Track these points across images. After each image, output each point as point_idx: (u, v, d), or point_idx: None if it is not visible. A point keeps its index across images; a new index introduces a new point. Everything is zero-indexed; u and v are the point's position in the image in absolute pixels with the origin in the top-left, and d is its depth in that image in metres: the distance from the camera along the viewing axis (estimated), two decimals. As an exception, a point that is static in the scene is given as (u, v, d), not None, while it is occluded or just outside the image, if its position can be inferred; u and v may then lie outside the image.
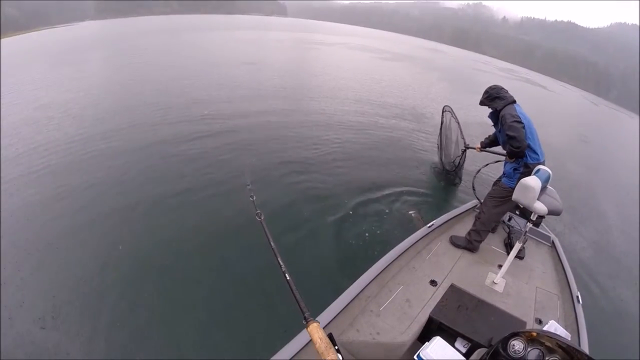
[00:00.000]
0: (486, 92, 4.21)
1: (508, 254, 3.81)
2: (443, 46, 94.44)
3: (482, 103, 4.28)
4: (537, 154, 3.97)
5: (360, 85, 18.17)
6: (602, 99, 64.15)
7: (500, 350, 2.28)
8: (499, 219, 4.51)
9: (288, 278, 1.79)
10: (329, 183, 7.17)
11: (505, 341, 2.28)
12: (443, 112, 7.75)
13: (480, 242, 4.27)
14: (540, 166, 3.58)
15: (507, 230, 4.73)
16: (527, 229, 3.49)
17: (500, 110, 4.04)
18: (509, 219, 4.77)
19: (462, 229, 4.58)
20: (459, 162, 7.08)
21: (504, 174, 4.28)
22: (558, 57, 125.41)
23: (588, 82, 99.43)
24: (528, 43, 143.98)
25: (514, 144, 3.85)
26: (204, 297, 4.37)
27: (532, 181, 3.18)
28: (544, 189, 3.38)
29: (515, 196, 3.34)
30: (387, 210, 6.37)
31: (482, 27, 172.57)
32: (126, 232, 5.30)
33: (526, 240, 4.29)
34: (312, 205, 6.33)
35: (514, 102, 4.06)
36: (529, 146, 3.89)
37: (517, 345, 2.25)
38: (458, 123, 7.20)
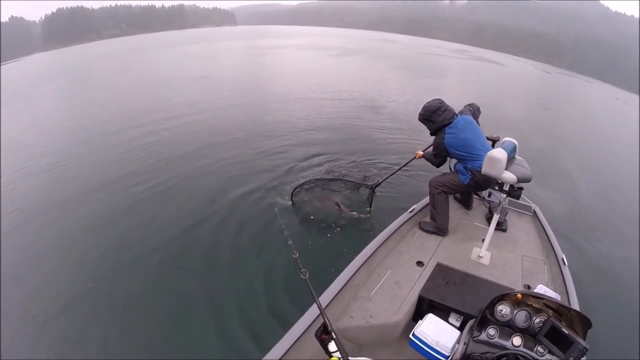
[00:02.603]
0: (422, 109, 4.23)
1: None
2: (394, 35, 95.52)
3: (419, 120, 4.36)
4: (478, 160, 3.88)
5: (311, 85, 18.15)
6: (554, 67, 65.92)
7: (488, 315, 2.39)
8: (444, 194, 4.37)
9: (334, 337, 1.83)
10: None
11: (492, 306, 2.38)
12: None
13: (445, 224, 4.26)
14: (506, 138, 3.72)
15: (488, 205, 4.82)
16: (504, 202, 3.59)
17: (434, 133, 4.27)
18: (489, 195, 4.87)
19: None
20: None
21: (456, 170, 4.28)
22: (509, 32, 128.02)
23: (540, 53, 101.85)
24: (477, 22, 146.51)
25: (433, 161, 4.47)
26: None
27: (498, 153, 3.32)
28: (512, 159, 3.53)
29: (484, 169, 3.46)
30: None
31: (431, 12, 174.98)
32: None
33: (507, 213, 4.47)
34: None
35: (449, 123, 4.10)
36: (469, 157, 4.00)
37: (503, 309, 2.36)
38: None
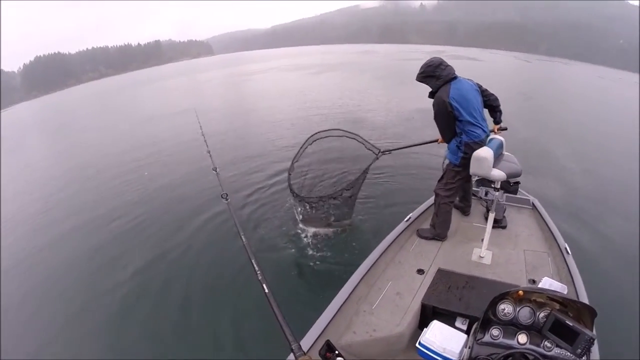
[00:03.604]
0: (422, 67, 3.85)
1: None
2: (373, 46, 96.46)
3: (418, 79, 3.96)
4: (477, 130, 3.76)
5: (292, 106, 18.03)
6: (534, 54, 66.61)
7: (491, 316, 2.29)
8: (453, 197, 4.30)
9: (272, 303, 1.59)
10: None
11: (493, 306, 2.29)
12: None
13: (445, 229, 4.17)
14: (493, 135, 3.66)
15: (485, 204, 4.69)
16: (498, 199, 3.54)
17: (436, 92, 3.79)
18: (486, 194, 4.75)
19: None
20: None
21: (447, 150, 4.11)
22: (487, 27, 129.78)
23: (520, 43, 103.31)
24: (449, 23, 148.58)
25: (441, 135, 4.05)
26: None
27: (484, 152, 3.27)
28: (500, 155, 3.47)
29: (472, 170, 3.41)
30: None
31: (403, 18, 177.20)
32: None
33: (505, 209, 4.33)
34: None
35: (453, 79, 3.75)
36: (470, 123, 3.73)
37: (505, 307, 2.26)
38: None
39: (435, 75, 3.74)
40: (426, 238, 4.15)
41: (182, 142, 13.14)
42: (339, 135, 5.55)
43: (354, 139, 5.45)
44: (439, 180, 4.24)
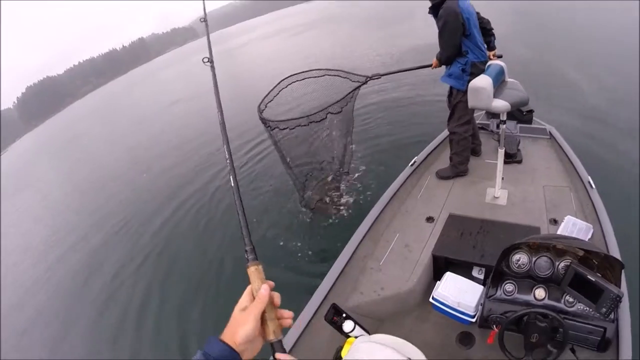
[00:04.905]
0: None
1: (504, 162, 3.41)
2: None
3: None
4: (482, 49, 3.52)
5: (276, 70, 16.59)
6: None
7: (504, 268, 2.09)
8: (471, 129, 4.01)
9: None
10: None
11: (506, 257, 2.08)
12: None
13: (465, 162, 3.92)
14: (491, 61, 3.26)
15: (497, 138, 4.15)
16: (507, 130, 3.22)
17: (441, 2, 3.38)
18: (497, 126, 4.34)
19: (446, 160, 4.15)
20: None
21: (449, 76, 3.72)
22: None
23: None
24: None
25: (443, 54, 3.55)
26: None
27: (481, 81, 2.84)
28: (502, 83, 3.05)
29: (471, 103, 3.00)
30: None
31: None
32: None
33: (519, 142, 3.97)
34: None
35: None
36: (476, 39, 3.44)
37: (520, 257, 2.06)
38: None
39: None
40: (447, 178, 3.90)
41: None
42: (318, 76, 4.62)
43: (337, 75, 4.59)
44: (449, 119, 3.95)
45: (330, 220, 5.10)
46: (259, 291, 0.83)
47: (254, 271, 0.87)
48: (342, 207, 5.26)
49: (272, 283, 0.86)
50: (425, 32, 13.27)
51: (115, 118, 26.69)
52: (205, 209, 6.83)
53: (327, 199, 5.39)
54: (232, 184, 1.06)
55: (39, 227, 10.46)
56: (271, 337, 0.82)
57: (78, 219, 9.54)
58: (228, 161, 1.12)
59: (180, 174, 9.02)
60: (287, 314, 0.87)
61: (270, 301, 0.84)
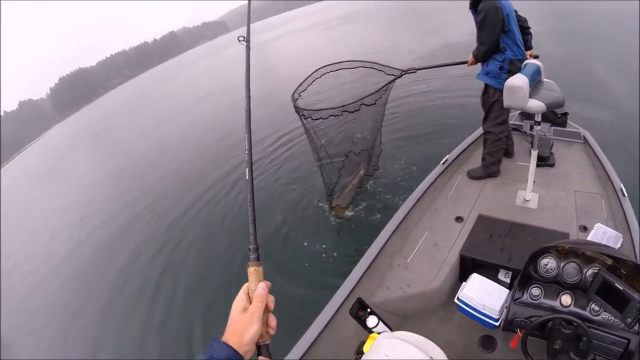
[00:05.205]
0: None
1: (536, 166, 3.31)
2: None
3: None
4: (520, 47, 3.47)
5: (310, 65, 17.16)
6: None
7: (532, 272, 2.05)
8: (506, 130, 3.99)
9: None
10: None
11: (535, 260, 2.04)
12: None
13: (497, 163, 3.86)
14: (528, 60, 3.18)
15: (530, 140, 4.20)
16: (541, 132, 3.15)
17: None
18: (531, 127, 4.18)
19: (478, 160, 4.11)
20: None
21: (486, 74, 3.66)
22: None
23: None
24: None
25: (480, 50, 3.47)
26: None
27: (517, 80, 2.76)
28: (538, 83, 2.97)
29: (506, 102, 2.92)
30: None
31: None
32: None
33: (552, 145, 3.86)
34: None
35: None
36: (515, 37, 3.40)
37: (548, 262, 2.02)
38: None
39: None
40: (479, 178, 3.85)
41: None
42: (353, 67, 4.58)
43: (372, 67, 4.53)
44: (484, 118, 3.89)
45: (356, 219, 5.07)
46: (256, 290, 0.84)
47: (254, 272, 0.87)
48: (360, 210, 5.24)
49: (269, 283, 0.87)
50: (460, 30, 13.14)
51: (146, 110, 27.11)
52: (226, 202, 6.92)
53: (350, 200, 5.33)
54: (247, 177, 1.05)
55: (70, 211, 11.03)
56: (260, 340, 0.82)
57: (106, 205, 9.92)
58: (247, 152, 1.11)
59: (206, 166, 9.13)
60: (273, 322, 0.86)
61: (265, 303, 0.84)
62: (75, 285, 6.60)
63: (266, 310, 0.84)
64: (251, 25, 1.74)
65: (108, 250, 7.27)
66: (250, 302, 0.83)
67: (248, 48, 1.54)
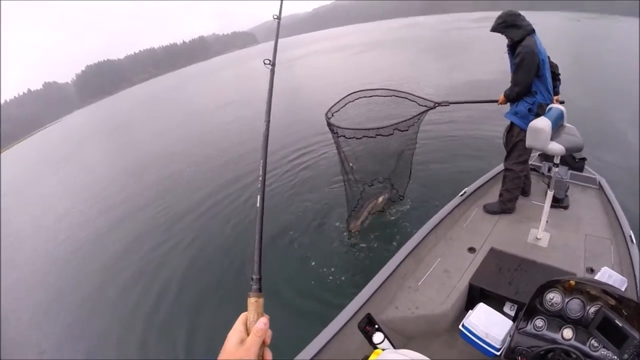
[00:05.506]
0: (500, 17, 3.56)
1: (551, 206, 3.41)
2: (414, 19, 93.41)
3: (494, 30, 3.64)
4: (550, 93, 3.59)
5: (334, 87, 16.51)
6: (581, 12, 61.39)
7: (537, 305, 2.11)
8: (526, 169, 4.05)
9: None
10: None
11: (541, 294, 2.10)
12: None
13: (514, 200, 3.97)
14: (552, 105, 3.30)
15: (547, 181, 4.30)
16: (557, 175, 3.25)
17: (519, 41, 3.47)
18: (549, 169, 4.35)
19: (495, 195, 4.21)
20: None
21: (514, 114, 3.77)
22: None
23: (564, 3, 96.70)
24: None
25: (513, 90, 3.60)
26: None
27: (541, 123, 2.88)
28: (560, 127, 3.09)
29: (528, 142, 3.04)
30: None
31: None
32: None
33: (567, 187, 3.96)
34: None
35: (533, 31, 3.49)
36: (547, 82, 3.51)
37: (554, 297, 2.08)
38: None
39: (516, 24, 3.48)
40: (494, 213, 3.96)
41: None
42: (386, 95, 4.63)
43: (405, 97, 4.62)
44: (507, 155, 4.00)
45: (371, 244, 5.09)
46: (255, 324, 0.83)
47: (254, 302, 0.86)
48: (377, 235, 5.23)
49: (268, 317, 0.85)
50: (482, 68, 13.20)
51: (168, 110, 27.43)
52: (239, 211, 6.96)
53: (366, 220, 5.37)
54: (258, 204, 1.04)
55: (81, 197, 11.28)
56: None
57: (118, 198, 9.99)
58: (260, 179, 1.09)
59: (221, 173, 9.24)
60: (269, 357, 0.84)
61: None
62: (65, 273, 6.77)
63: (262, 344, 0.83)
64: (281, 40, 1.82)
65: (104, 242, 7.47)
66: (248, 334, 0.82)
67: (272, 72, 1.54)
